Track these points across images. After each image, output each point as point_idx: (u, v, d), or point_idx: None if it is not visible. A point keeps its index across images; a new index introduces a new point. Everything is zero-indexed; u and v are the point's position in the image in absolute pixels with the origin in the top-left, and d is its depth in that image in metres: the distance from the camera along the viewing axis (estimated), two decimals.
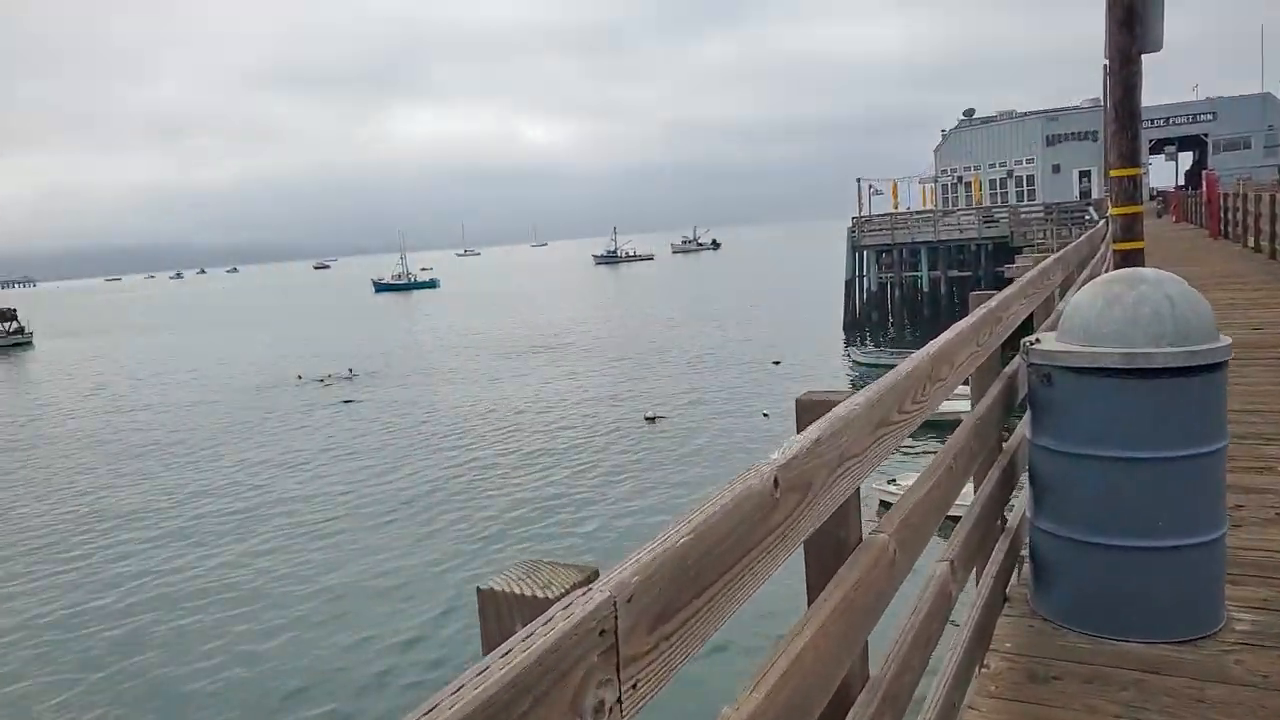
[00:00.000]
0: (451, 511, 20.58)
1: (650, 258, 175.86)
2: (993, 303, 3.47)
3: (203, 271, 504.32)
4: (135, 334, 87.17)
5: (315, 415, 33.91)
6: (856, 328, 46.55)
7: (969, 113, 70.93)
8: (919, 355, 2.45)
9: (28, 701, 13.45)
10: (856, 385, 31.79)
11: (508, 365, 44.11)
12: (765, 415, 28.63)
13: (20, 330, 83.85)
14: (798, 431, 1.97)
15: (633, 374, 38.88)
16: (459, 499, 21.56)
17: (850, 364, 37.09)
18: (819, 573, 1.97)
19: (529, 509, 20.55)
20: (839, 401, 1.96)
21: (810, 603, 1.90)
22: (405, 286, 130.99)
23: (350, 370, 44.45)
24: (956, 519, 3.21)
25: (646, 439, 26.69)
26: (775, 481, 1.46)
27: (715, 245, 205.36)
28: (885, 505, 19.02)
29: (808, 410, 1.98)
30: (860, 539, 2.05)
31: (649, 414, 29.57)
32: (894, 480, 20.43)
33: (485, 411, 32.28)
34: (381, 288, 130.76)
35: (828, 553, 1.96)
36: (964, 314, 3.59)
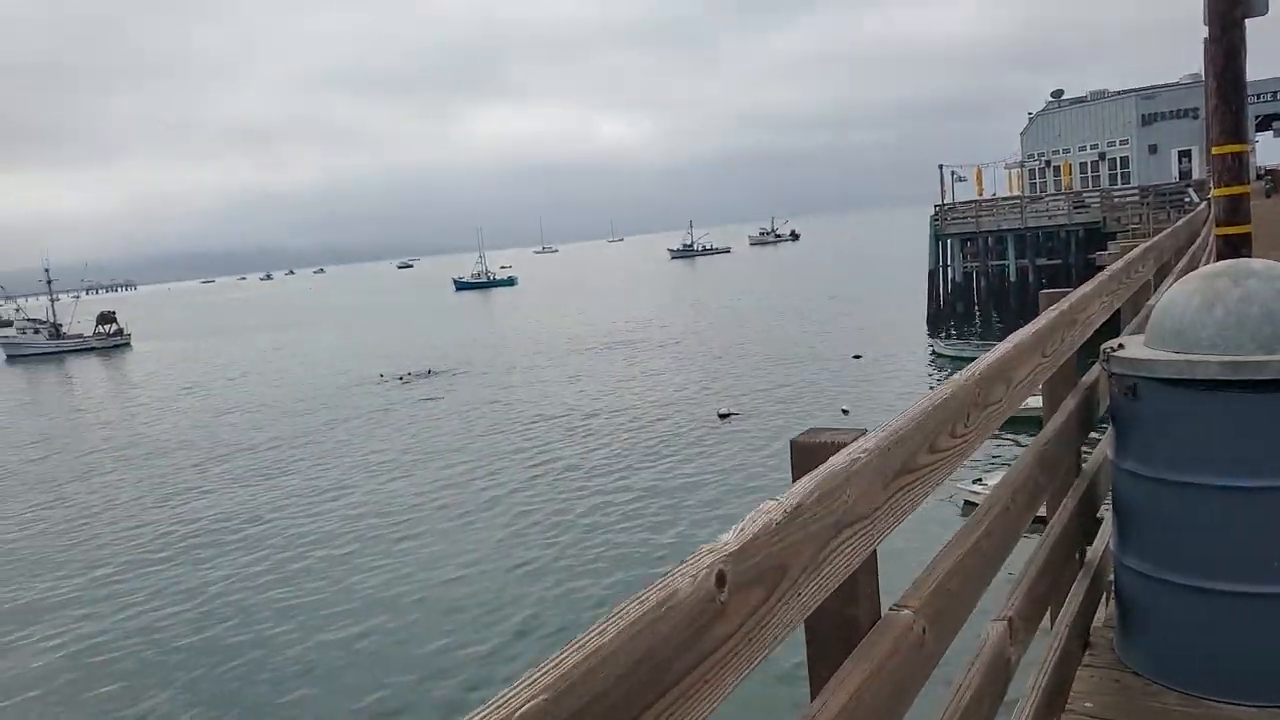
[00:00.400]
0: (529, 513, 20.41)
1: (727, 251, 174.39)
2: (1065, 304, 2.97)
3: (291, 273, 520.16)
4: (226, 335, 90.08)
5: (396, 414, 34.32)
6: (940, 320, 45.15)
7: (1057, 94, 68.22)
8: (962, 376, 2.00)
9: (113, 704, 13.73)
10: (942, 380, 30.69)
11: (583, 362, 44.05)
12: (845, 412, 27.87)
13: (119, 332, 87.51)
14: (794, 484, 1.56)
15: (708, 369, 38.39)
16: (536, 500, 21.39)
17: (933, 357, 35.95)
18: (822, 660, 1.56)
19: (604, 512, 20.28)
20: (848, 442, 1.55)
21: (813, 695, 1.50)
22: (485, 284, 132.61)
23: (429, 370, 44.98)
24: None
25: (720, 436, 26.21)
26: (719, 579, 1.06)
27: (794, 236, 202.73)
28: (971, 506, 18.16)
29: (807, 455, 1.57)
30: (878, 615, 1.62)
31: (722, 410, 29.08)
32: (980, 480, 19.57)
33: (561, 409, 32.19)
34: (462, 286, 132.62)
35: (832, 636, 1.54)
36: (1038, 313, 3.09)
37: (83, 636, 16.23)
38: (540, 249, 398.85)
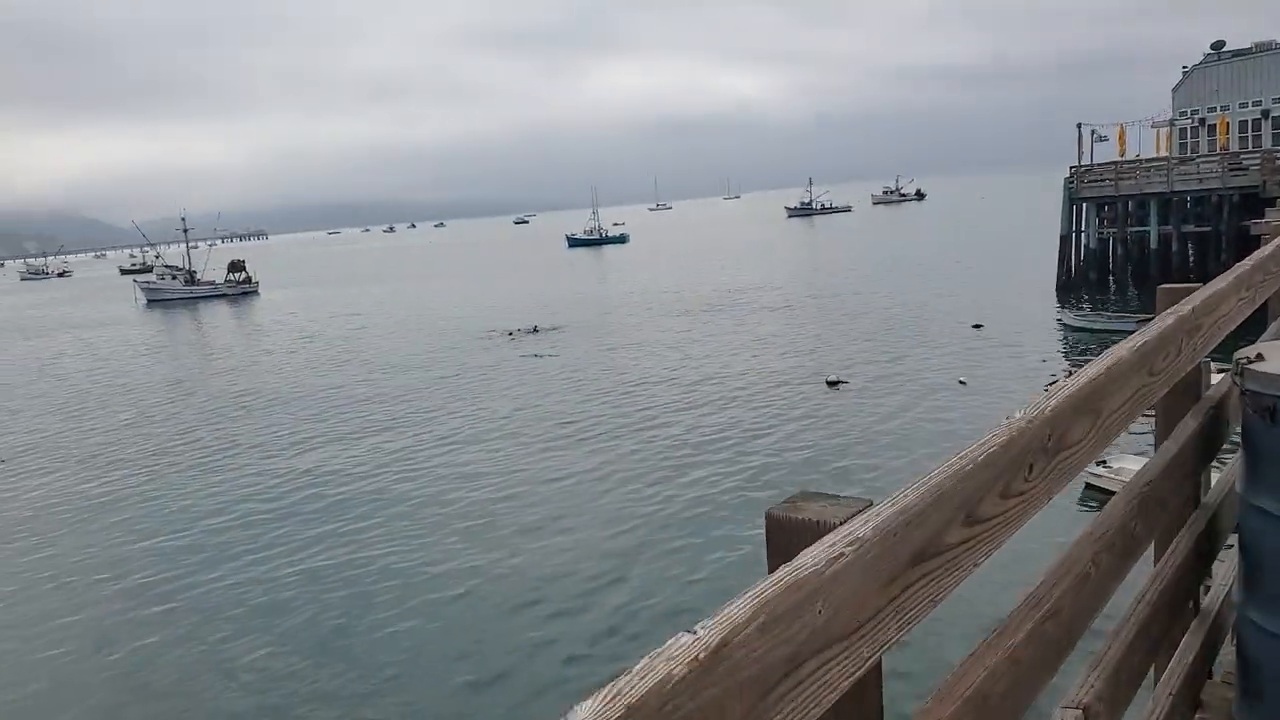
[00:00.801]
0: (631, 480, 20.23)
1: (848, 209, 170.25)
2: (1186, 306, 2.41)
3: (413, 226, 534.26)
4: (348, 285, 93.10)
5: (503, 371, 34.71)
6: (1071, 289, 42.81)
7: (1218, 45, 63.13)
8: (1026, 415, 1.53)
9: (218, 650, 14.30)
10: (1068, 354, 29.39)
11: (691, 322, 43.66)
12: (962, 383, 26.73)
13: (248, 280, 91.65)
14: (768, 566, 1.23)
15: (819, 333, 37.48)
16: (638, 467, 21.22)
17: (1062, 329, 34.10)
18: None
19: (706, 481, 19.97)
20: (836, 522, 1.15)
21: None
22: (596, 241, 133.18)
23: (535, 326, 45.40)
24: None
25: (828, 406, 25.51)
26: None
27: (920, 196, 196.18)
28: (1097, 491, 17.06)
29: (785, 536, 1.19)
30: None
31: (831, 378, 28.29)
32: (1104, 462, 18.44)
33: (666, 372, 31.96)
34: (574, 242, 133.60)
35: None
36: (1199, 276, 2.53)
37: (191, 585, 16.99)
38: (654, 206, 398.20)
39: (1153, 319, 2.40)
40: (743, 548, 15.78)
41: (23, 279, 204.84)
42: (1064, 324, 34.54)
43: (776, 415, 24.90)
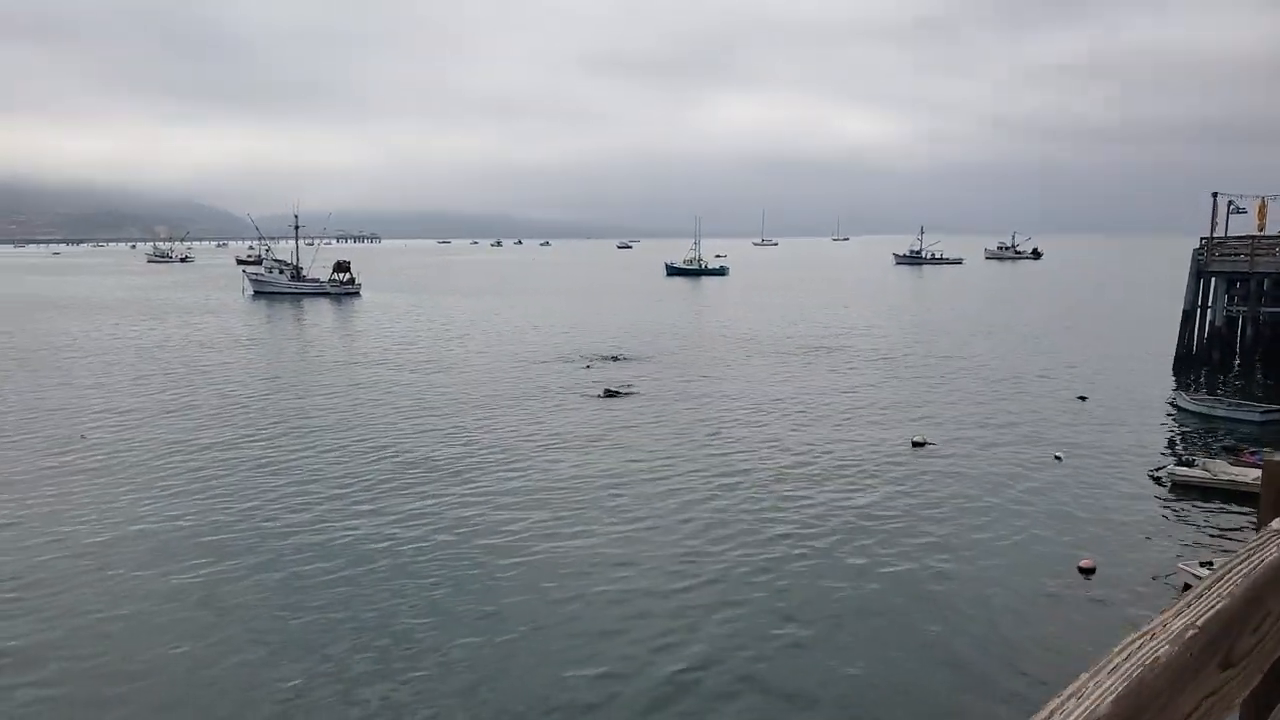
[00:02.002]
0: (703, 528, 19.50)
1: (958, 262, 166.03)
2: None
3: (519, 242, 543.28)
4: (449, 295, 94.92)
5: (585, 400, 34.44)
6: (1190, 367, 40.32)
7: None
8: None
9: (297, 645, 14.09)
10: (1178, 441, 27.36)
11: (780, 365, 42.67)
12: (1058, 458, 25.18)
13: (351, 280, 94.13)
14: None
15: (912, 388, 36.08)
16: (708, 514, 20.49)
17: (1175, 411, 31.94)
18: None
19: (779, 537, 19.16)
20: None
21: None
22: (695, 272, 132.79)
23: (616, 355, 45.10)
24: None
25: (910, 467, 24.33)
26: None
27: (1036, 255, 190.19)
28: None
29: None
30: None
31: (917, 439, 27.02)
32: (1209, 563, 16.99)
33: (749, 414, 31.16)
34: (673, 271, 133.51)
35: None
36: None
37: (225, 583, 16.93)
38: (759, 241, 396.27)
39: None
40: (819, 616, 14.88)
41: (149, 261, 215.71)
42: (1178, 406, 32.34)
43: (860, 472, 23.90)
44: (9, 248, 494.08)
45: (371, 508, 20.95)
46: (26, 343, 53.34)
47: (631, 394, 34.90)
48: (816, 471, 23.95)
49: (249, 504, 21.23)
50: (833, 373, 40.15)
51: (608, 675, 13.20)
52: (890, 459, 25.28)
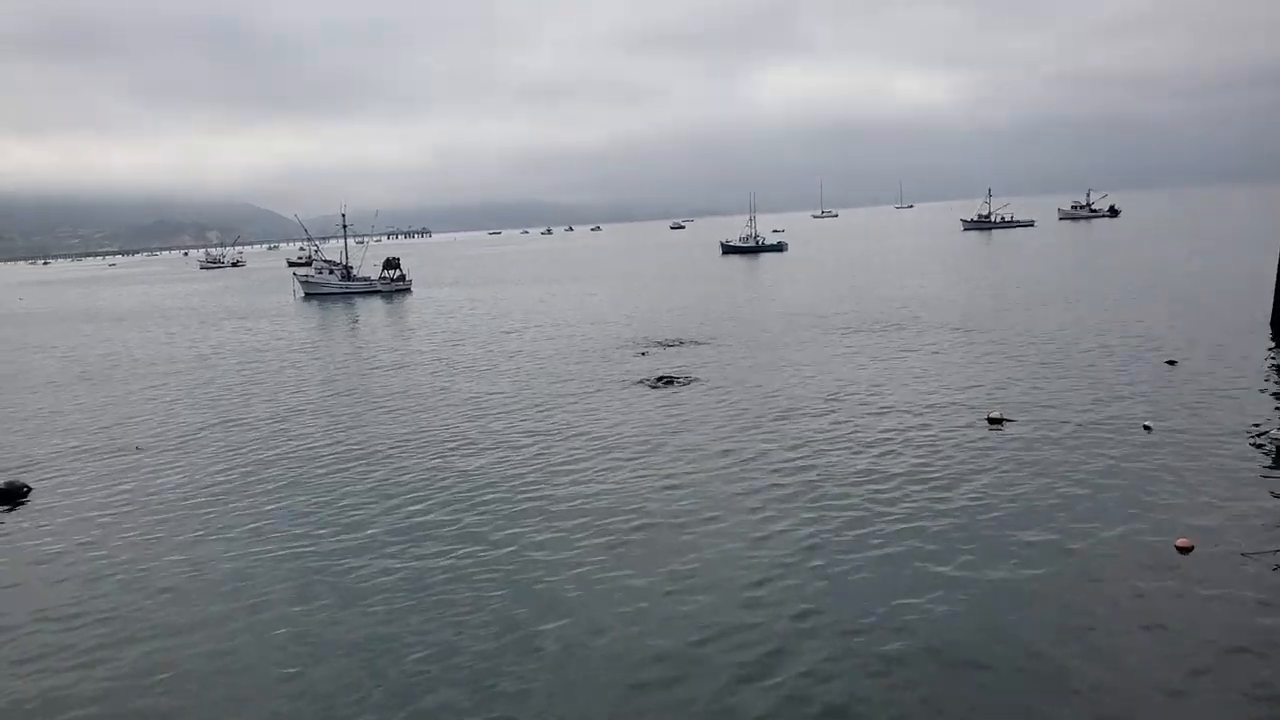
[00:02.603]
0: (769, 527, 18.97)
1: (1030, 224, 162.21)
2: None
3: (570, 229, 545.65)
4: (501, 286, 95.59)
5: (642, 389, 34.24)
6: None
7: None
8: None
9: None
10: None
11: (846, 343, 41.94)
12: (1147, 428, 24.24)
13: (402, 277, 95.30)
14: None
15: (987, 361, 35.18)
16: (776, 511, 19.94)
17: (1274, 371, 30.58)
18: None
19: (846, 521, 18.74)
20: None
21: None
22: (752, 249, 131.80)
23: (672, 342, 44.84)
24: None
25: (987, 447, 23.63)
26: None
27: (1113, 213, 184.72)
28: None
29: None
30: None
31: (994, 415, 26.24)
32: None
33: (815, 398, 30.60)
34: (729, 249, 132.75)
35: None
36: None
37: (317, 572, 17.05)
38: (819, 213, 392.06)
39: None
40: (907, 624, 14.44)
41: (202, 267, 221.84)
42: (1277, 365, 30.98)
43: (934, 453, 23.31)
44: (67, 261, 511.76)
45: (436, 518, 20.96)
46: (84, 354, 54.91)
47: (691, 381, 34.55)
48: (891, 455, 23.37)
49: (308, 522, 21.32)
50: (902, 349, 39.33)
51: (689, 699, 12.83)
52: (967, 436, 24.59)
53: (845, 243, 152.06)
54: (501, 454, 25.57)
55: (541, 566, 17.31)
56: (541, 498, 21.40)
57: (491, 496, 21.76)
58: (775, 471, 22.44)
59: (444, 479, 23.48)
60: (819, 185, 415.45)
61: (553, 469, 23.82)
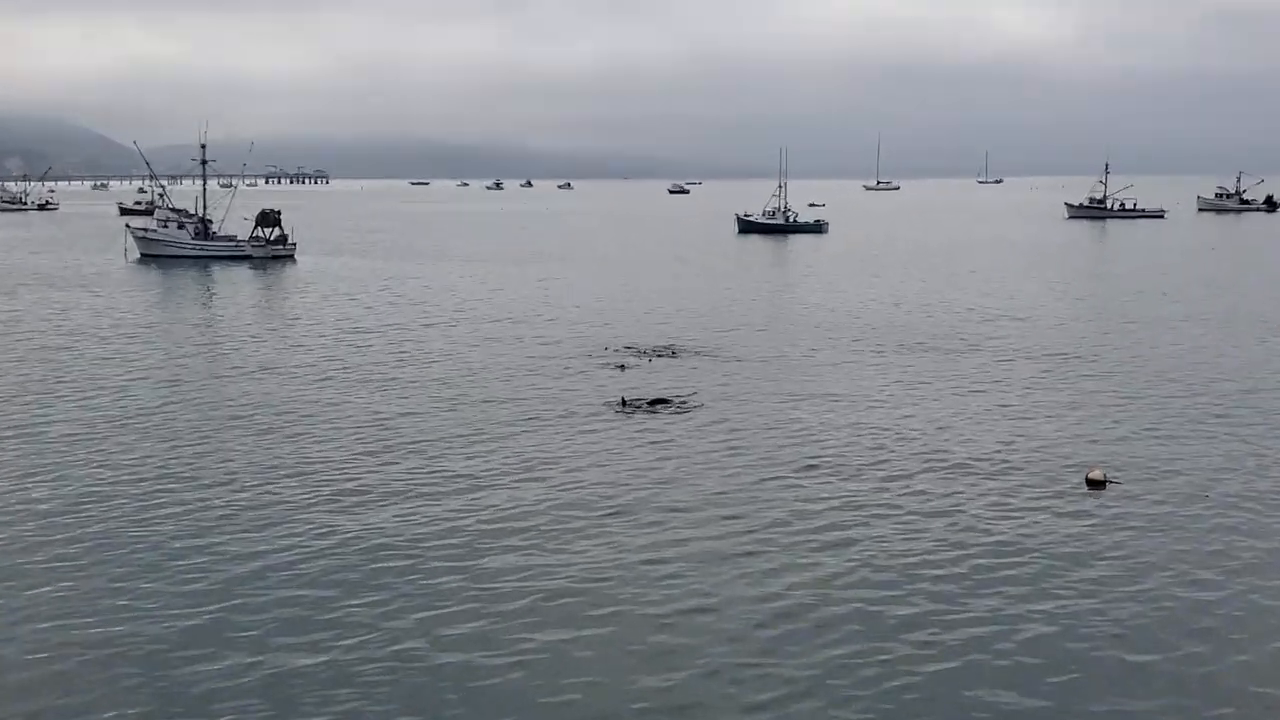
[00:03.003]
0: (787, 614, 19.18)
1: (1159, 215, 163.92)
2: None
3: (529, 184, 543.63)
4: (424, 260, 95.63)
5: (610, 427, 34.19)
6: None
7: None
8: None
9: None
10: None
11: (899, 366, 42.34)
12: None
13: (283, 239, 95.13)
14: None
15: (1090, 402, 35.60)
16: (794, 591, 20.13)
17: None
18: None
19: (900, 622, 18.86)
20: None
21: None
22: (780, 228, 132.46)
23: (660, 352, 45.24)
24: None
25: (1089, 514, 23.98)
26: None
27: (1271, 205, 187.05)
28: None
29: None
30: None
31: (1095, 475, 26.55)
32: None
33: (853, 443, 30.83)
34: (747, 226, 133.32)
35: None
36: None
37: None
38: (875, 184, 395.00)
39: None
40: None
41: None
42: None
43: (1015, 523, 23.60)
44: None
45: (314, 597, 20.79)
46: None
47: (686, 410, 34.72)
48: (955, 527, 23.58)
49: (108, 608, 20.00)
50: (979, 381, 39.70)
51: None
52: (1058, 505, 24.90)
53: (907, 226, 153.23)
54: (411, 507, 25.16)
55: (465, 675, 16.99)
56: (466, 573, 21.13)
57: (394, 569, 21.33)
58: (796, 548, 22.42)
59: (326, 542, 22.94)
60: (876, 145, 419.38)
61: (484, 533, 23.47)
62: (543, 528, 23.77)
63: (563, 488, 26.68)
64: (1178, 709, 15.78)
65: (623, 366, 42.37)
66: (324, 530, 23.52)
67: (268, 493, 26.24)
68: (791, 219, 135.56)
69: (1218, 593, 19.87)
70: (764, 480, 27.18)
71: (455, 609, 19.37)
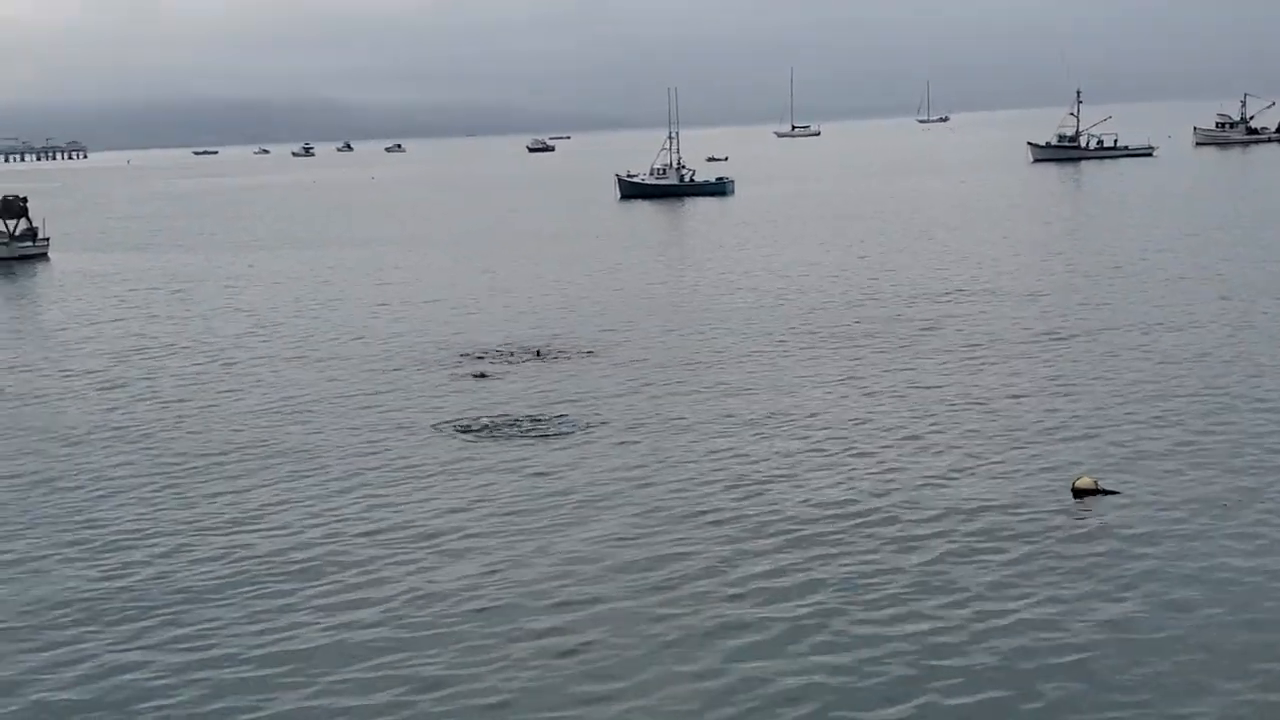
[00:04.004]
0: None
1: (1147, 153, 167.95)
2: None
3: (347, 148, 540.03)
4: (220, 252, 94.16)
5: (475, 451, 33.82)
6: None
7: None
8: None
9: None
10: None
11: (837, 358, 43.02)
12: None
13: (31, 233, 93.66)
14: None
15: (1073, 393, 36.44)
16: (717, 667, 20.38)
17: None
18: None
19: (862, 671, 19.22)
20: None
21: None
22: (673, 190, 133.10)
23: (538, 351, 45.54)
24: None
25: (1072, 532, 24.56)
26: None
27: None
28: None
29: None
30: None
31: (1081, 482, 27.13)
32: None
33: (782, 455, 31.26)
34: (631, 189, 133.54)
35: None
36: None
37: None
38: (790, 129, 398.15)
39: None
40: None
41: None
42: None
43: (988, 544, 24.12)
44: None
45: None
46: None
47: (564, 427, 34.72)
48: (911, 553, 24.00)
49: None
50: (935, 368, 40.61)
51: None
52: (1036, 521, 25.40)
53: (833, 181, 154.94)
54: (192, 571, 25.07)
55: None
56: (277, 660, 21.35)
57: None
58: (731, 600, 22.39)
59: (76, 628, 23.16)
60: (788, 81, 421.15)
61: (285, 600, 23.45)
62: (371, 597, 23.32)
63: (402, 538, 26.19)
64: None
65: (482, 374, 42.56)
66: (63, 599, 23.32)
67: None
68: (687, 178, 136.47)
69: (1210, 607, 20.34)
70: (674, 516, 26.93)
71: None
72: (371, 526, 26.88)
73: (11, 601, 23.44)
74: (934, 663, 19.27)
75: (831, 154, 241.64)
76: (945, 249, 74.87)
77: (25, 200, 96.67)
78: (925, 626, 20.59)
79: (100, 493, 30.62)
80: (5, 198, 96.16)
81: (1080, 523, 25.41)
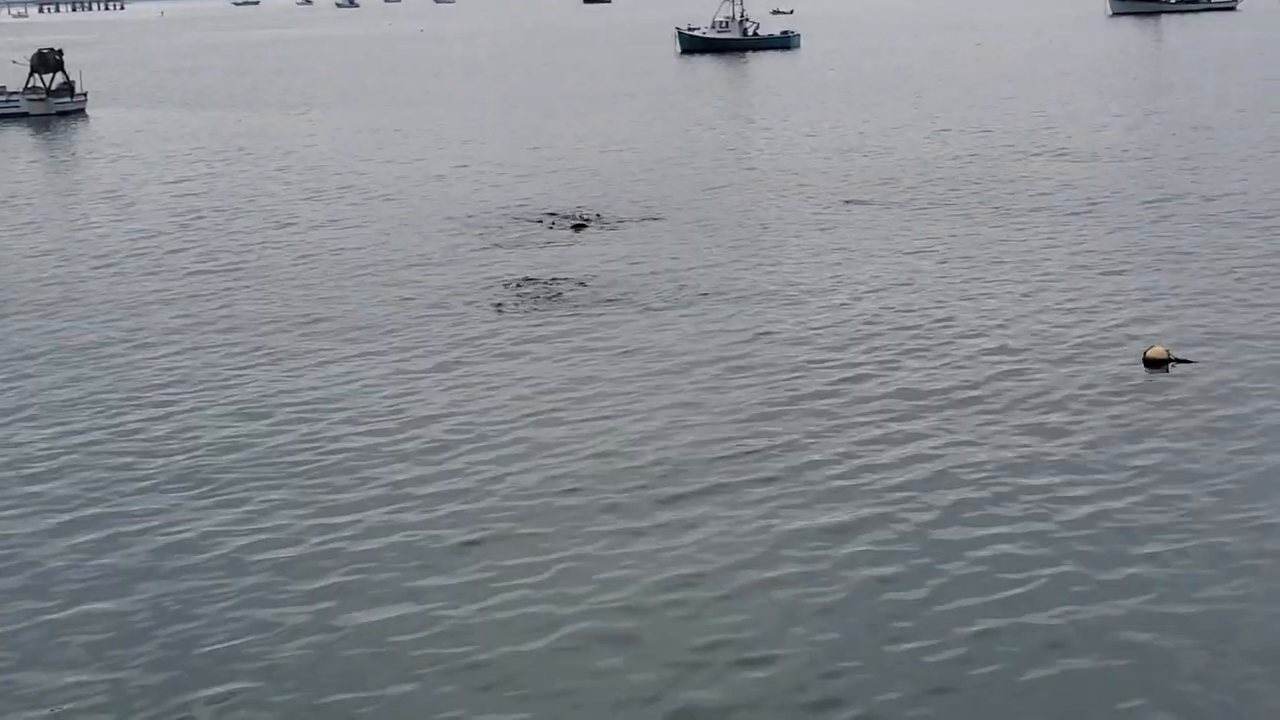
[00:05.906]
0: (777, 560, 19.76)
1: (1230, 6, 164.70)
2: None
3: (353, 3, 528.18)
4: (264, 111, 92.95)
5: (528, 324, 34.14)
6: None
7: None
8: None
9: None
10: None
11: (908, 221, 43.46)
12: None
13: (68, 87, 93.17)
14: None
15: (1149, 263, 36.62)
16: (792, 494, 21.06)
17: None
18: None
19: (914, 533, 19.84)
20: None
21: None
22: (736, 45, 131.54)
23: (585, 216, 45.71)
24: None
25: (1147, 402, 24.97)
26: None
27: None
28: None
29: None
30: None
31: (1154, 352, 27.47)
32: None
33: (850, 318, 31.81)
34: (691, 43, 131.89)
35: None
36: None
37: None
38: None
39: None
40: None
41: None
42: None
43: (1060, 413, 24.61)
44: None
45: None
46: None
47: (619, 295, 34.96)
48: (982, 422, 24.50)
49: None
50: (1003, 234, 40.82)
51: None
52: (1110, 390, 25.80)
53: (908, 35, 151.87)
54: (246, 451, 25.78)
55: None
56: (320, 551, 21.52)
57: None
58: (796, 458, 23.07)
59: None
60: None
61: (346, 484, 24.23)
62: (444, 450, 24.13)
63: (469, 392, 27.01)
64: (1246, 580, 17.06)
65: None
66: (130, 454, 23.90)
67: (66, 423, 26.49)
68: (750, 32, 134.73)
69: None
70: (738, 374, 27.64)
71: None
72: (446, 401, 27.27)
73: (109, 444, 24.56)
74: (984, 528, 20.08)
75: (905, 6, 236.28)
76: (1018, 99, 74.93)
77: (61, 53, 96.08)
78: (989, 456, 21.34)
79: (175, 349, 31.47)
80: (40, 51, 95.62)
81: (1151, 385, 25.88)
